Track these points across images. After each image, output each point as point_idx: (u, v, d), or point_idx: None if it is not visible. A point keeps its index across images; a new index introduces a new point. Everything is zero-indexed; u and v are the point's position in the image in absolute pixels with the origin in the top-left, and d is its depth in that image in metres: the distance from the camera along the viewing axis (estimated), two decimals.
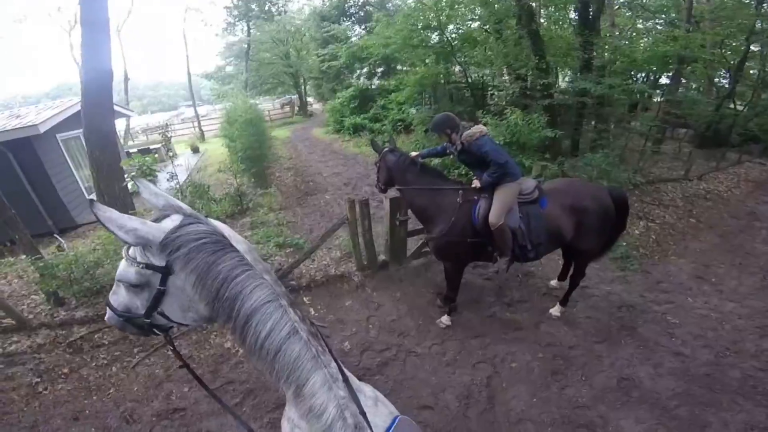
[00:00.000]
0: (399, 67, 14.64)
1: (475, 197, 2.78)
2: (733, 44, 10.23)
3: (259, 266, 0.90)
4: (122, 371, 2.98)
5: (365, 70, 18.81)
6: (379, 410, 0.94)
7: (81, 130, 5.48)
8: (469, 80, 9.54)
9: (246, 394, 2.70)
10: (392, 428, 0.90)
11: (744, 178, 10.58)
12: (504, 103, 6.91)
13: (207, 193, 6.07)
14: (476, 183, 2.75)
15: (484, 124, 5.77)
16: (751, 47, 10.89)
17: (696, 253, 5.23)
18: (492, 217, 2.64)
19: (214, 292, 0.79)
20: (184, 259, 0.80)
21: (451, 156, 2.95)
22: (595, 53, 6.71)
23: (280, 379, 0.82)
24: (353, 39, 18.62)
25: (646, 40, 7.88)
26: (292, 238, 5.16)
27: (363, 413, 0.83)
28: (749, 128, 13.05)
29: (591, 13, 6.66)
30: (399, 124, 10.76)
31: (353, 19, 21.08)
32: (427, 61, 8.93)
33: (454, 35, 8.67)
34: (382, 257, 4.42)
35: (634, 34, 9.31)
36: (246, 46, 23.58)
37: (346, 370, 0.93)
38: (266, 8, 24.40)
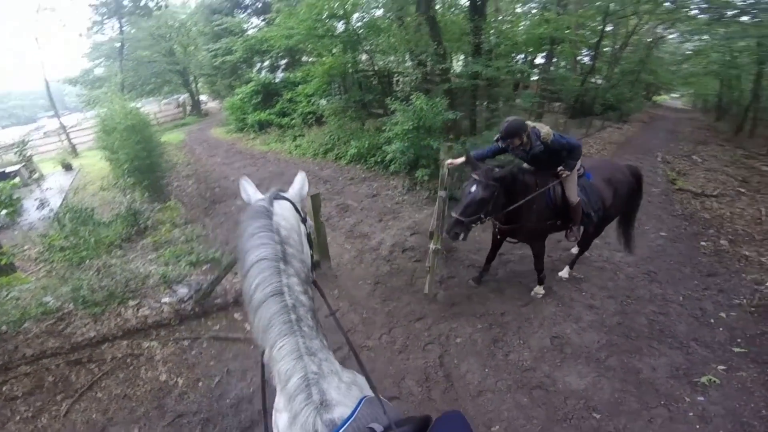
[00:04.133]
0: (305, 58, 14.04)
1: (548, 183, 2.99)
2: (592, 25, 11.93)
3: (284, 234, 1.00)
4: (55, 421, 2.49)
5: (267, 63, 17.61)
6: (352, 393, 0.93)
7: None
8: (376, 68, 9.57)
9: (203, 425, 2.41)
10: (357, 409, 0.87)
11: (608, 141, 12.65)
12: (408, 89, 7.09)
13: (92, 217, 5.09)
14: (564, 171, 2.91)
15: (392, 111, 5.86)
16: (607, 27, 12.83)
17: None
18: (572, 196, 2.97)
19: (239, 245, 0.96)
20: (242, 220, 1.01)
21: (515, 157, 3.04)
22: (483, 37, 7.25)
23: (259, 336, 0.89)
24: (250, 32, 17.29)
25: (524, 23, 8.77)
26: (206, 253, 4.62)
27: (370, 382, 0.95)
28: (607, 99, 15.68)
29: (479, 1, 7.16)
30: (309, 116, 10.37)
31: (249, 11, 19.56)
32: (334, 50, 8.65)
33: (359, 24, 8.54)
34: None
35: (514, 18, 10.31)
36: (119, 45, 20.49)
37: (331, 356, 0.96)
38: (142, 3, 21.29)
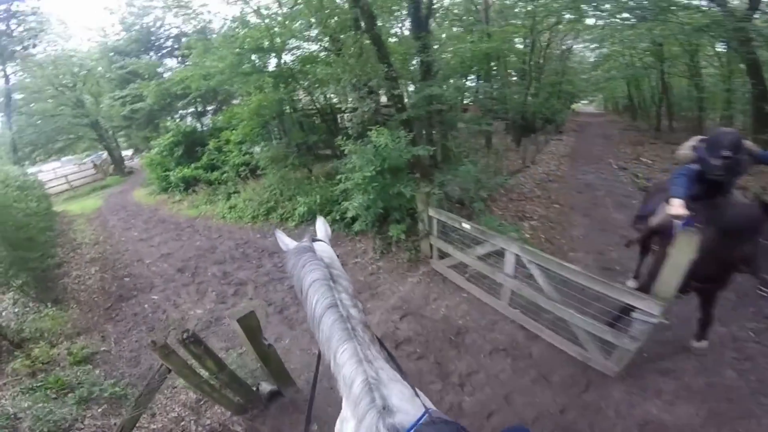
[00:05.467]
0: (236, 101, 12.51)
1: None
2: (518, 40, 11.99)
3: (327, 261, 1.18)
4: None
5: (192, 109, 15.74)
6: (415, 403, 0.96)
7: None
8: (318, 106, 8.43)
9: None
10: (421, 420, 0.90)
11: (557, 155, 12.68)
12: (359, 123, 5.98)
13: None
14: None
15: (344, 153, 4.65)
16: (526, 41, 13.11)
17: (583, 242, 5.22)
18: None
19: (294, 276, 1.16)
20: (289, 259, 1.22)
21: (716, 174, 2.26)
22: (433, 56, 6.46)
23: (324, 347, 1.02)
24: (167, 75, 15.47)
25: (470, 39, 8.28)
26: (102, 384, 3.18)
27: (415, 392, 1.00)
28: (543, 112, 16.14)
29: (422, 15, 6.37)
30: (242, 169, 8.79)
31: (161, 52, 17.72)
32: (264, 88, 7.33)
33: (292, 58, 7.41)
34: (266, 387, 2.82)
35: (459, 33, 9.82)
36: (2, 98, 17.18)
37: (388, 367, 1.03)
38: (29, 47, 18.38)
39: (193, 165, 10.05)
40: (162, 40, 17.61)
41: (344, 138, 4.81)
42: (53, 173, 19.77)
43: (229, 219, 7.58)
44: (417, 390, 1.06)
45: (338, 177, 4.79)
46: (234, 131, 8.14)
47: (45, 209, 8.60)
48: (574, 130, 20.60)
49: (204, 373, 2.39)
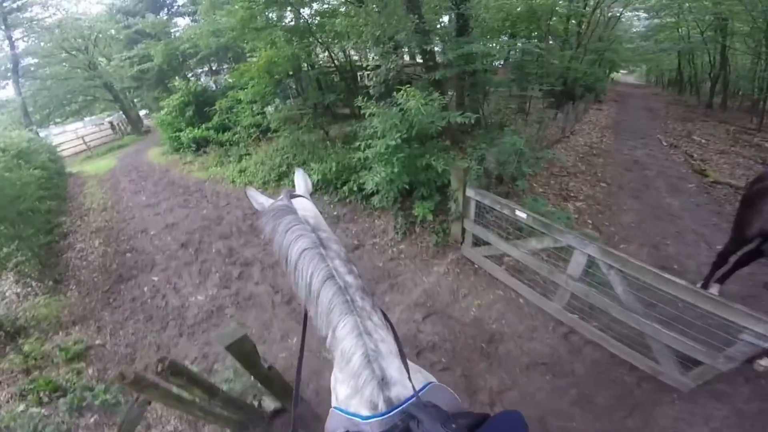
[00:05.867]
0: (253, 59, 11.80)
1: None
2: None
3: (313, 222, 1.03)
4: None
5: (206, 68, 14.94)
6: (414, 376, 0.93)
7: None
8: (337, 62, 7.57)
9: None
10: (424, 389, 0.92)
11: (599, 125, 11.52)
12: (382, 82, 5.19)
13: None
14: None
15: (368, 115, 3.95)
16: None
17: (635, 231, 4.49)
18: None
19: (276, 243, 0.99)
20: (264, 223, 1.04)
21: None
22: (472, 10, 5.46)
23: (322, 324, 0.93)
24: (178, 34, 14.80)
25: None
26: (94, 389, 2.91)
27: (406, 366, 0.91)
28: (585, 79, 14.67)
29: None
30: (253, 130, 8.16)
31: (171, 11, 16.90)
32: (276, 43, 6.55)
33: (310, 12, 6.54)
34: (270, 405, 2.45)
35: None
36: (10, 64, 17.14)
37: (389, 337, 0.96)
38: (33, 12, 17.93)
39: (204, 125, 9.48)
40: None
41: (365, 98, 4.09)
42: (74, 134, 19.81)
43: (238, 183, 6.99)
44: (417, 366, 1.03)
45: (357, 143, 4.12)
46: (244, 90, 7.43)
47: (48, 176, 8.26)
48: (615, 100, 18.98)
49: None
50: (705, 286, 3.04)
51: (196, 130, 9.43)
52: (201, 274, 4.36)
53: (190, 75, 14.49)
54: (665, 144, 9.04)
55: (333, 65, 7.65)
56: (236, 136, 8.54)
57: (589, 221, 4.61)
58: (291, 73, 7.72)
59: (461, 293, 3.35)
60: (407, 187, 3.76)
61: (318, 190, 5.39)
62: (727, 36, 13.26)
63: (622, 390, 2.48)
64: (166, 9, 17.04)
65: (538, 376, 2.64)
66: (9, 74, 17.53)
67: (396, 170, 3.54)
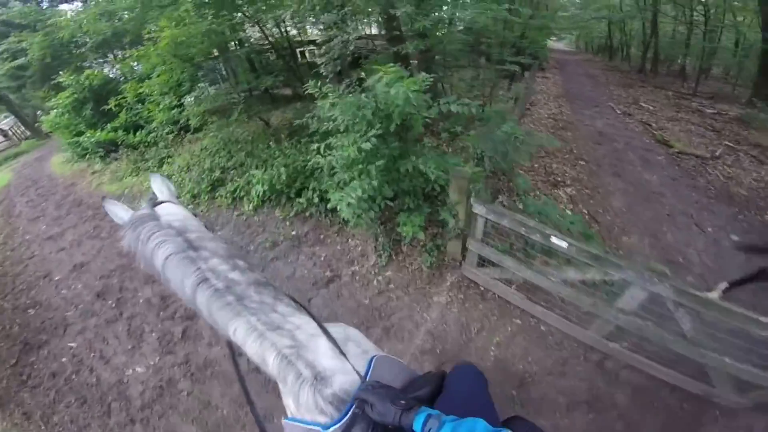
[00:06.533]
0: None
1: None
2: None
3: (178, 225, 0.91)
4: None
5: (109, 57, 12.24)
6: (350, 349, 0.84)
7: None
8: (272, 38, 6.27)
9: None
10: (369, 372, 0.82)
11: (550, 94, 11.36)
12: (335, 59, 4.17)
13: None
14: None
15: (329, 103, 2.98)
16: None
17: (629, 217, 4.17)
18: None
19: (141, 255, 0.86)
20: (126, 236, 0.89)
21: None
22: None
23: (218, 330, 0.81)
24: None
25: None
26: None
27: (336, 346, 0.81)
28: (532, 47, 14.48)
29: None
30: (169, 129, 6.65)
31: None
32: (184, 20, 5.07)
33: None
34: None
35: None
36: None
37: (306, 319, 0.87)
38: None
39: (110, 126, 7.63)
40: None
41: (316, 82, 3.08)
42: None
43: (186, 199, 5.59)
44: (350, 328, 0.95)
45: (312, 142, 3.17)
46: (149, 80, 5.91)
47: None
48: (555, 67, 19.25)
49: None
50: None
51: (99, 132, 7.53)
52: (132, 336, 3.22)
53: (87, 65, 12.02)
54: (619, 112, 9.06)
55: (267, 42, 6.36)
56: (152, 135, 6.96)
57: (585, 210, 4.18)
58: (216, 54, 6.29)
59: (473, 329, 2.69)
60: (390, 201, 2.92)
61: (266, 202, 4.34)
62: (659, 2, 13.69)
63: (667, 415, 2.24)
64: None
65: (581, 416, 2.25)
66: None
67: (375, 183, 2.68)
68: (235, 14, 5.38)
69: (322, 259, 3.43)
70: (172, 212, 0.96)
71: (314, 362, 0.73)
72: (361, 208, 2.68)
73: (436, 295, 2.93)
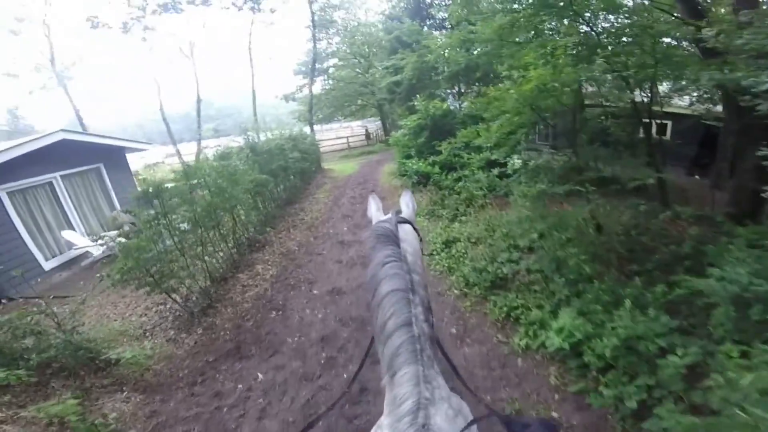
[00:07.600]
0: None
1: None
2: None
3: (410, 260, 1.12)
4: None
5: (455, 89, 13.10)
6: (457, 422, 0.92)
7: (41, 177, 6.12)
8: (627, 100, 4.70)
9: None
10: None
11: None
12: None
13: None
14: None
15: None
16: None
17: None
18: None
19: (371, 271, 1.10)
20: (366, 240, 1.19)
21: None
22: None
23: (385, 364, 0.98)
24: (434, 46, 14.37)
25: None
26: None
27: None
28: None
29: None
30: (481, 192, 6.18)
31: (431, 22, 16.64)
32: (557, 59, 4.00)
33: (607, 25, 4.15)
34: None
35: None
36: (311, 62, 20.52)
37: (443, 382, 0.99)
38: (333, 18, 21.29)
39: (432, 158, 8.42)
40: (433, 10, 16.32)
41: None
42: (335, 134, 23.84)
43: (457, 287, 4.35)
44: (464, 404, 1.02)
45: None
46: (487, 126, 5.20)
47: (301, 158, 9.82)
48: None
49: None
50: None
51: (420, 163, 8.53)
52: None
53: (438, 93, 13.76)
54: None
55: (630, 104, 4.79)
56: (459, 184, 6.87)
57: None
58: (556, 111, 5.25)
59: None
60: None
61: (566, 356, 2.80)
62: None
63: None
64: (426, 18, 16.68)
65: None
66: (315, 73, 20.64)
67: None
68: (599, 63, 4.08)
69: None
70: (409, 240, 1.21)
71: (431, 416, 0.81)
72: None
73: None
